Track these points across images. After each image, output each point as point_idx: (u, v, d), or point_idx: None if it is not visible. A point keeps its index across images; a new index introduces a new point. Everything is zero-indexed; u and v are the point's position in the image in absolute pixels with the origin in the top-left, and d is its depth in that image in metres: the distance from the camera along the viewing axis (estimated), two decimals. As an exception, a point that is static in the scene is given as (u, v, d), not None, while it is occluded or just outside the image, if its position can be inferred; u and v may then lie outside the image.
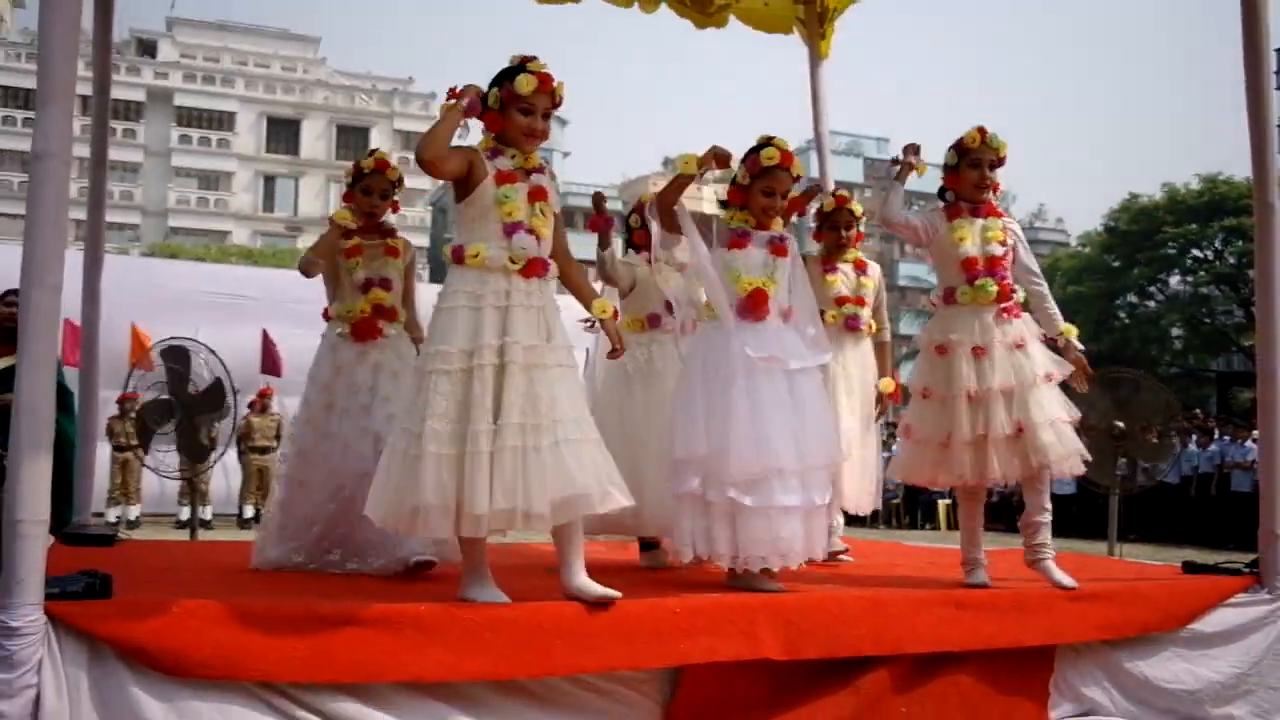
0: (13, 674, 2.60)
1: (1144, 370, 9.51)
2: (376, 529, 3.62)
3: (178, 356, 6.33)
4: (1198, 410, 18.06)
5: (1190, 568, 4.51)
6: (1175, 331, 32.77)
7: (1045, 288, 4.27)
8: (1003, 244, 4.18)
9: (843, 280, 5.06)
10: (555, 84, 3.41)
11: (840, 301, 5.03)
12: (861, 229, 5.18)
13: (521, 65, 3.39)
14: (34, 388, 2.67)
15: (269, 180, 45.34)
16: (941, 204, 4.34)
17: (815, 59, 6.77)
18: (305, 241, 42.23)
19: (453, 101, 3.33)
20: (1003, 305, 4.12)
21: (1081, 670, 3.86)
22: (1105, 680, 3.89)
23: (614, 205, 48.77)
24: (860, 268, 5.12)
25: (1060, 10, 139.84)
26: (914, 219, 4.27)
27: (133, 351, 12.98)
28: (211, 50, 46.79)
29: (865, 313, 5.08)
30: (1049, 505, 4.10)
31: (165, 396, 6.23)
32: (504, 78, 3.40)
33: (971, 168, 4.21)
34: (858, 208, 5.13)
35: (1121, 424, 6.66)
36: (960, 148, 4.22)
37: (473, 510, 3.10)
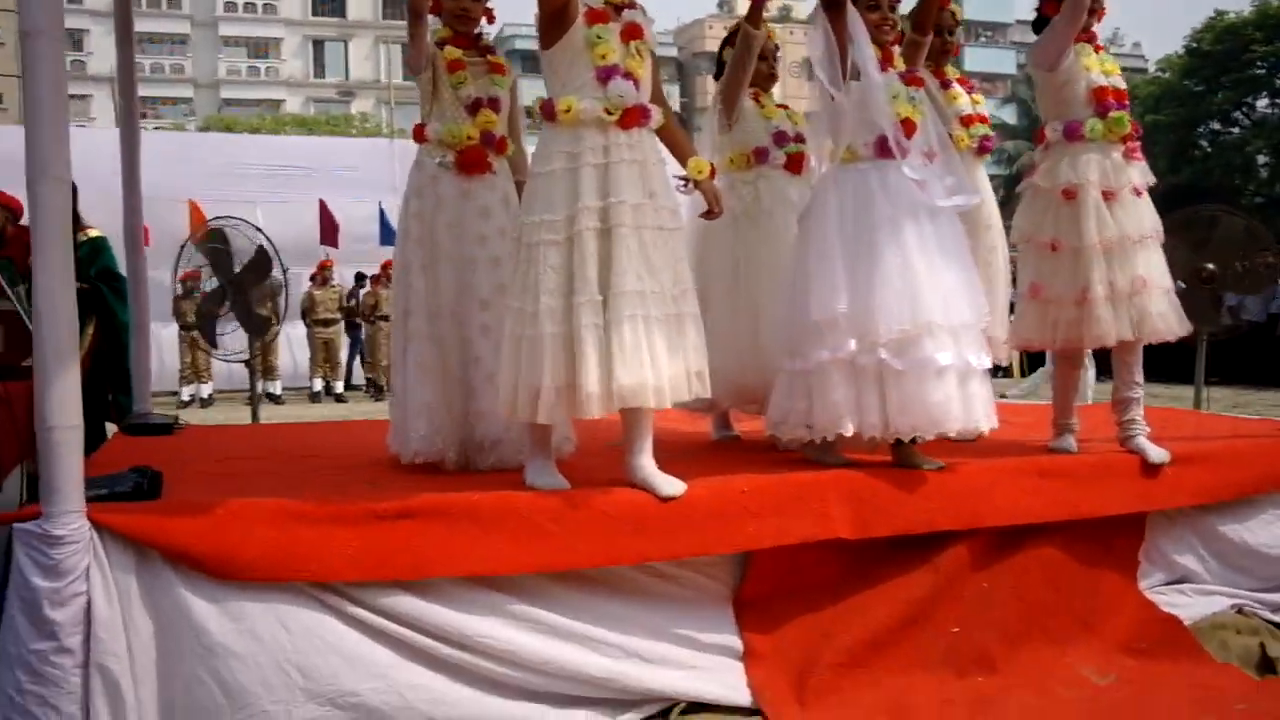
0: (61, 582, 2.52)
1: (1224, 203, 8.94)
2: (491, 422, 3.47)
3: (217, 238, 6.18)
4: (1286, 243, 17.25)
5: (1291, 423, 4.24)
6: (1262, 159, 31.24)
7: None
8: (1121, 77, 3.81)
9: (961, 96, 4.50)
10: None
11: (967, 121, 4.44)
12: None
13: None
14: (52, 292, 2.51)
15: (318, 45, 44.59)
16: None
17: None
18: (358, 106, 41.99)
19: None
20: (1129, 144, 3.77)
21: (1175, 537, 3.67)
22: (1200, 547, 3.70)
23: (669, 52, 47.46)
24: (965, 84, 4.55)
25: None
26: (1068, 32, 3.71)
27: (192, 227, 13.00)
28: (253, -87, 45.68)
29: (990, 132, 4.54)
30: (1140, 378, 3.80)
31: (217, 282, 6.10)
32: None
33: None
34: (959, 9, 4.49)
35: (1211, 265, 6.26)
36: None
37: (584, 389, 2.89)
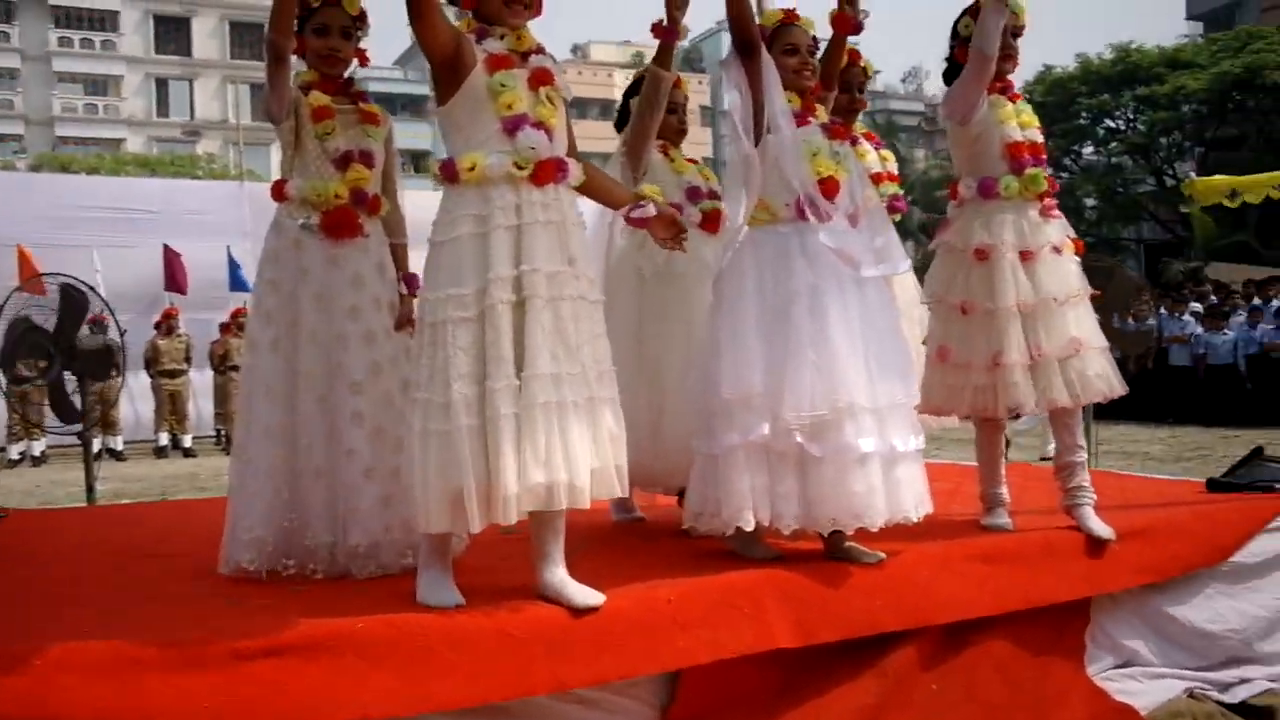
0: None
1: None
2: (368, 524, 2.98)
3: (72, 302, 5.45)
4: (1127, 283, 17.92)
5: (1215, 486, 4.06)
6: (1089, 202, 32.80)
7: None
8: (1039, 130, 3.59)
9: (869, 153, 4.23)
10: None
11: (875, 180, 4.19)
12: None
13: None
14: None
15: (161, 83, 42.46)
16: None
17: None
18: (205, 146, 40.21)
19: None
20: (1046, 201, 3.54)
21: (1119, 619, 3.40)
22: (1144, 627, 3.44)
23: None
24: (873, 140, 4.31)
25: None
26: (976, 83, 3.47)
27: (21, 273, 11.93)
28: (87, -57, 43.51)
29: (897, 190, 4.30)
30: (1083, 441, 3.56)
31: (45, 327, 5.36)
32: None
33: None
34: (870, 65, 4.24)
35: (1117, 321, 6.22)
36: (976, 12, 3.51)
37: (502, 490, 2.47)
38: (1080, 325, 3.48)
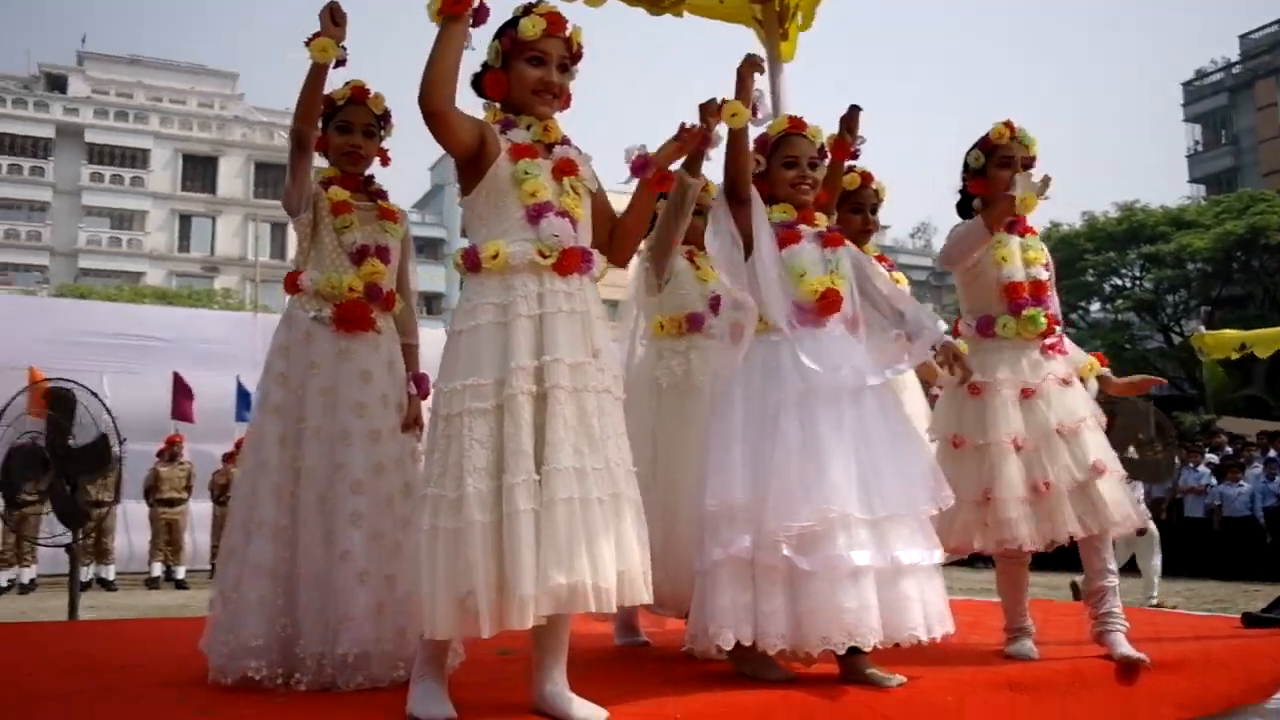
0: None
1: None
2: (359, 632, 2.81)
3: (60, 402, 5.37)
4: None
5: (1251, 621, 3.85)
6: (1097, 357, 32.95)
7: None
8: (1046, 266, 3.54)
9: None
10: (569, 27, 2.69)
11: None
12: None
13: (526, 8, 2.69)
14: None
15: (185, 219, 43.50)
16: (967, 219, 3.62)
17: (775, 62, 6.15)
18: (222, 282, 40.85)
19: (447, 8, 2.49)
20: (1048, 341, 3.47)
21: (1157, 759, 3.15)
22: (1185, 769, 3.19)
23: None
24: (885, 263, 4.22)
25: (976, 33, 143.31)
26: (973, 245, 3.48)
27: (31, 400, 11.89)
28: (124, 86, 45.01)
29: None
30: (1114, 566, 3.40)
31: (39, 443, 5.26)
32: (505, 28, 2.70)
33: (1001, 168, 3.56)
34: (883, 188, 4.21)
35: (1133, 451, 6.07)
36: (986, 145, 3.59)
37: (518, 590, 2.29)
38: (1095, 451, 3.36)
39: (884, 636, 2.76)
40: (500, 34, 2.70)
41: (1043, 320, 3.45)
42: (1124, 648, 3.21)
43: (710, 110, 2.95)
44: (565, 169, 2.67)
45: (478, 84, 2.74)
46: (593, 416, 2.46)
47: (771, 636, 2.76)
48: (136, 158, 43.09)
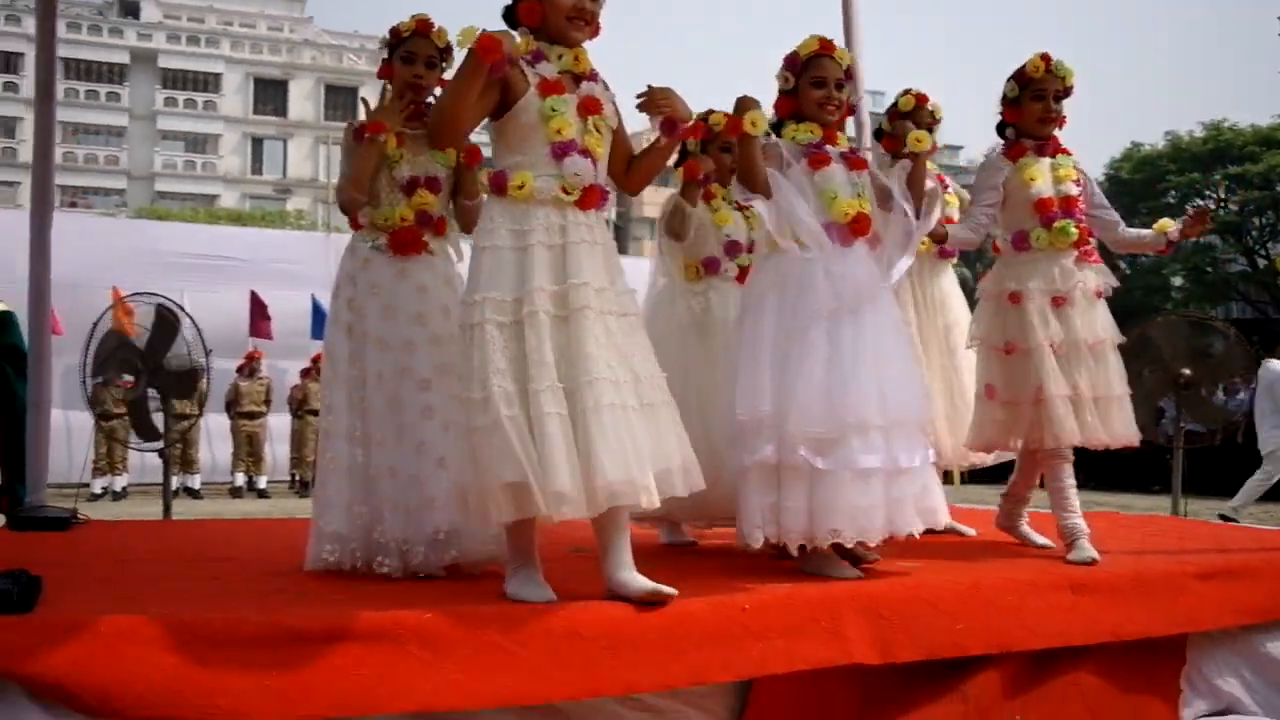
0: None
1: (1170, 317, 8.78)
2: (447, 511, 2.99)
3: (164, 324, 5.58)
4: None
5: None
6: (1176, 281, 32.09)
7: (1118, 216, 3.87)
8: (1077, 183, 3.74)
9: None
10: None
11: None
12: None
13: None
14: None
15: (257, 142, 44.09)
16: (1001, 142, 3.83)
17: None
18: (295, 203, 41.42)
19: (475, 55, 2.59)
20: (1082, 249, 3.69)
21: (1218, 660, 3.20)
22: (1246, 670, 3.23)
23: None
24: (941, 181, 4.34)
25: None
26: (983, 212, 3.78)
27: (115, 316, 12.30)
28: (196, 11, 45.43)
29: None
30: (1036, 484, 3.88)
31: (137, 344, 5.48)
32: None
33: (1035, 99, 3.74)
34: (940, 108, 4.37)
35: (1188, 372, 6.01)
36: (1021, 78, 3.76)
37: (554, 485, 2.46)
38: (1105, 370, 3.64)
39: (885, 532, 3.00)
40: None
41: (1074, 231, 3.65)
42: (1034, 536, 3.82)
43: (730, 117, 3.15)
44: (590, 108, 2.76)
45: (509, 15, 2.79)
46: (617, 335, 2.63)
47: (794, 533, 2.96)
48: (209, 82, 43.65)
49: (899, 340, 3.23)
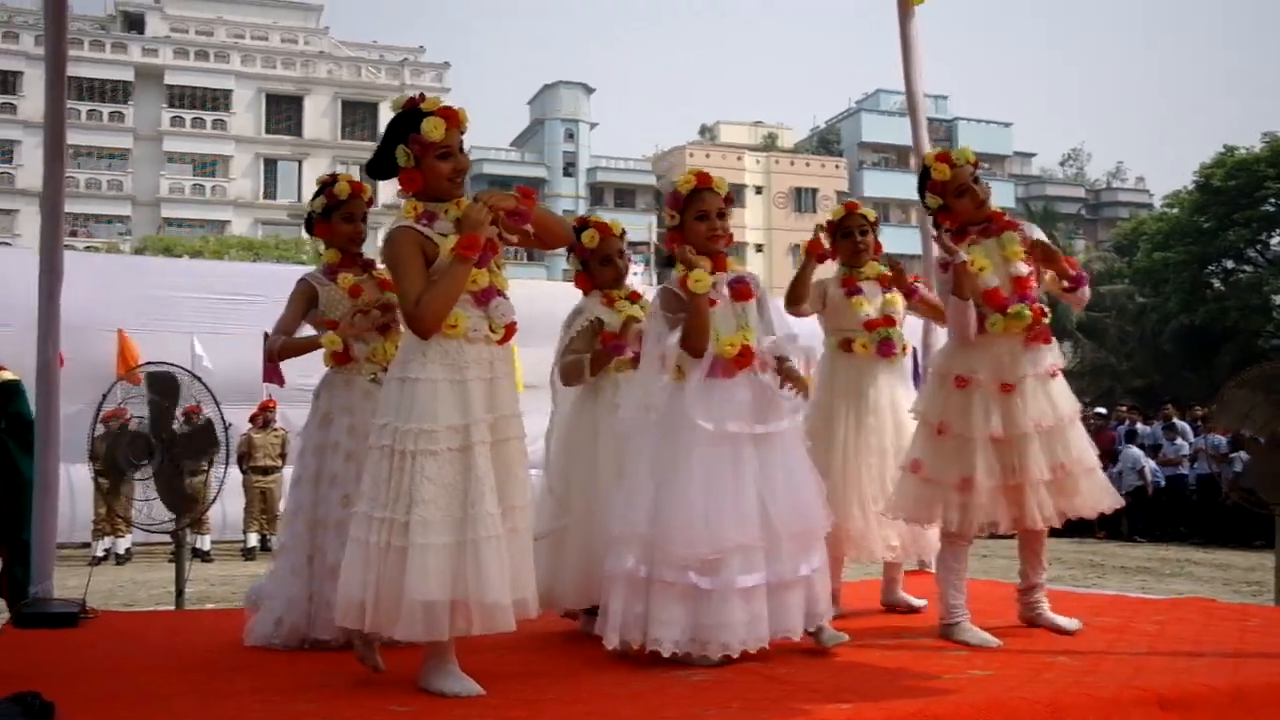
0: None
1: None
2: None
3: (163, 386, 5.72)
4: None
5: None
6: (1278, 299, 31.66)
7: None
8: (1025, 260, 3.98)
9: (868, 301, 4.67)
10: (459, 111, 3.31)
11: (870, 326, 4.67)
12: (879, 239, 4.80)
13: (416, 110, 3.27)
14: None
15: (270, 163, 44.72)
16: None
17: (906, 6, 6.28)
18: (311, 229, 41.80)
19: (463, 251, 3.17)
20: (1034, 331, 3.96)
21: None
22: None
23: (647, 180, 48.30)
24: (884, 284, 4.72)
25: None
26: (968, 318, 3.98)
27: (120, 362, 12.52)
28: (204, 23, 46.25)
29: (898, 333, 4.72)
30: (1046, 564, 4.25)
31: (143, 430, 5.64)
32: (405, 129, 3.26)
33: (960, 196, 4.06)
34: (871, 213, 4.80)
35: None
36: (936, 187, 4.08)
37: (486, 599, 3.05)
38: (1067, 447, 3.92)
39: (770, 637, 3.53)
40: (401, 137, 3.25)
41: (1028, 314, 3.93)
42: (1059, 620, 4.08)
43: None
44: (489, 250, 3.24)
45: (379, 172, 3.33)
46: (517, 465, 3.26)
47: (665, 642, 3.46)
48: (218, 99, 44.39)
49: (790, 455, 3.68)
